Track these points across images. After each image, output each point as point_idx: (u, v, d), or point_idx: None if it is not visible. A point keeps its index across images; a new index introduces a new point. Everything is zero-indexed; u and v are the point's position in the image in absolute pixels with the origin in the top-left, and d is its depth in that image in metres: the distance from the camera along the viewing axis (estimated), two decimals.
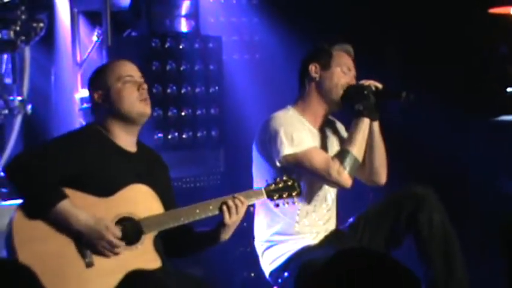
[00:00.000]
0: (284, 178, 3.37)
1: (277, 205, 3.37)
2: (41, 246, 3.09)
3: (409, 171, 4.73)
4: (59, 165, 3.14)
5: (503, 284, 3.62)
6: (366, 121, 3.68)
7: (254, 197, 3.33)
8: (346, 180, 3.60)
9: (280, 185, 3.36)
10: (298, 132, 3.64)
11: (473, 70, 5.71)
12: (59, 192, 3.10)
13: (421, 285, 2.90)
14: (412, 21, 5.69)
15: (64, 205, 3.08)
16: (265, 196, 3.34)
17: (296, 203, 3.41)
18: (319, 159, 3.61)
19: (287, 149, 3.59)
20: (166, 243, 3.29)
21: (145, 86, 3.31)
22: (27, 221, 3.10)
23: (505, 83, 5.91)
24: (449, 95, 5.52)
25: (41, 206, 3.10)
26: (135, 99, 3.27)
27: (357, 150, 3.64)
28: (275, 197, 3.35)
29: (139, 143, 3.37)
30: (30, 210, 3.11)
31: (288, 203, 3.37)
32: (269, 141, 3.64)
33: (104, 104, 3.28)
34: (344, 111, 3.82)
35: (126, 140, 3.30)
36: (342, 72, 3.75)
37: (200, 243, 3.38)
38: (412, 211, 3.69)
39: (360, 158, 3.66)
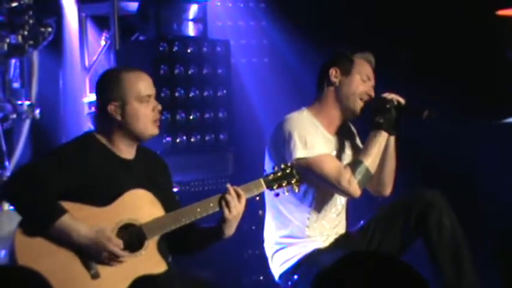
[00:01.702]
0: (282, 166, 3.34)
1: (277, 194, 3.34)
2: (45, 264, 3.07)
3: (416, 174, 4.73)
4: (57, 180, 3.12)
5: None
6: (384, 135, 3.67)
7: (254, 189, 3.29)
8: (356, 190, 3.60)
9: (279, 174, 3.32)
10: (311, 137, 3.63)
11: (480, 72, 5.70)
12: (58, 208, 3.08)
13: None
14: (419, 24, 5.68)
15: (64, 220, 3.07)
16: (264, 187, 3.30)
17: (297, 191, 3.37)
18: (331, 166, 3.60)
19: (300, 152, 3.59)
20: (171, 242, 3.27)
21: (159, 107, 3.29)
22: (28, 240, 3.09)
23: (511, 85, 5.90)
24: (456, 98, 5.50)
25: (40, 223, 3.08)
26: (150, 121, 3.25)
27: (371, 162, 3.63)
28: (275, 187, 3.31)
29: (137, 147, 3.33)
30: (31, 228, 3.09)
31: (288, 191, 3.34)
32: (283, 143, 3.64)
33: (116, 116, 3.23)
34: (361, 120, 3.80)
35: (125, 149, 3.28)
36: (361, 80, 3.75)
37: (205, 240, 3.34)
38: (422, 214, 3.68)
39: (373, 170, 3.65)
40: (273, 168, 3.34)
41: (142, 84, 3.26)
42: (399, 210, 3.74)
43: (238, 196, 3.22)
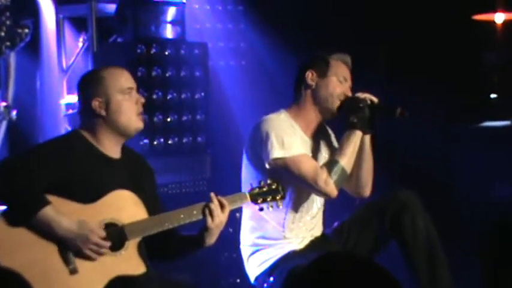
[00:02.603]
0: (268, 182, 3.37)
1: (262, 209, 3.37)
2: (24, 254, 3.07)
3: (394, 178, 4.75)
4: (42, 173, 3.12)
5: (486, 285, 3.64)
6: (358, 134, 3.69)
7: (238, 201, 3.33)
8: (332, 190, 3.61)
9: (265, 189, 3.36)
10: (289, 137, 3.64)
11: (458, 77, 5.74)
12: (42, 199, 3.09)
13: None
14: (397, 29, 5.72)
15: (47, 211, 3.07)
16: (249, 200, 3.33)
17: (280, 207, 3.41)
18: (308, 166, 3.61)
19: (277, 152, 3.60)
20: (150, 247, 3.27)
21: (142, 100, 3.31)
22: (9, 229, 3.08)
23: (489, 89, 5.95)
24: (434, 102, 5.54)
25: (23, 212, 3.08)
26: (133, 114, 3.27)
27: (346, 161, 3.65)
28: (259, 201, 3.35)
29: (123, 148, 3.36)
30: (13, 218, 3.09)
31: (272, 206, 3.37)
32: (260, 143, 3.65)
33: (101, 112, 3.25)
34: (337, 119, 3.82)
35: (111, 147, 3.29)
36: (338, 81, 3.76)
37: (185, 247, 3.36)
38: (396, 215, 3.70)
39: (349, 169, 3.66)
40: (259, 182, 3.37)
41: (123, 78, 3.30)
42: (374, 211, 3.76)
43: (222, 206, 3.24)
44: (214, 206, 3.22)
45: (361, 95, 3.73)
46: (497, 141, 5.47)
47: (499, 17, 5.76)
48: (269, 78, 5.76)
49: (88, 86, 3.31)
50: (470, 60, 5.82)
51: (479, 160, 5.34)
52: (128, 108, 3.26)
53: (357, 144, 3.69)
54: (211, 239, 3.26)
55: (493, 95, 5.99)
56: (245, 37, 5.86)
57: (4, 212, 3.12)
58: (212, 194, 3.25)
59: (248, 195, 3.34)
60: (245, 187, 3.68)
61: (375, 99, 3.72)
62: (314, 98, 3.77)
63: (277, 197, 3.37)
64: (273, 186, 3.37)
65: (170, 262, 3.39)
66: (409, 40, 5.70)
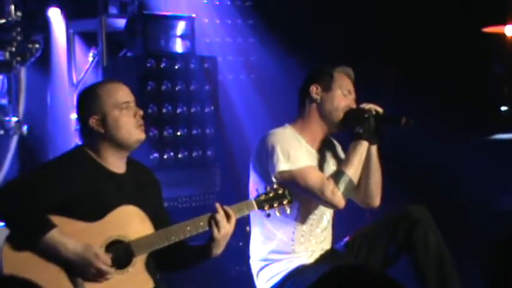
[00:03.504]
0: (274, 187, 3.35)
1: (269, 215, 3.34)
2: (33, 279, 3.05)
3: (404, 190, 4.74)
4: (46, 194, 3.10)
5: None
6: (364, 144, 3.68)
7: (245, 209, 3.30)
8: (340, 201, 3.60)
9: (271, 195, 3.33)
10: (294, 150, 3.64)
11: (468, 89, 5.73)
12: (47, 222, 3.07)
13: None
14: (407, 41, 5.72)
15: (53, 235, 3.05)
16: (256, 207, 3.31)
17: (288, 211, 3.38)
18: (314, 178, 3.61)
19: (283, 165, 3.60)
20: (158, 259, 3.25)
21: (141, 113, 3.28)
22: (16, 254, 3.07)
23: (499, 101, 5.94)
24: (444, 114, 5.53)
25: (29, 236, 3.06)
26: (132, 127, 3.24)
27: (353, 172, 3.64)
28: (266, 207, 3.32)
29: (129, 161, 3.33)
30: (19, 242, 3.08)
31: (279, 212, 3.35)
32: (266, 156, 3.64)
33: (99, 129, 3.22)
34: (343, 132, 3.82)
35: (115, 162, 3.26)
36: (343, 95, 3.76)
37: (193, 258, 3.33)
38: (407, 231, 3.68)
39: (356, 180, 3.65)
40: (265, 188, 3.35)
41: (118, 93, 3.26)
42: (385, 226, 3.74)
43: (228, 216, 3.21)
44: (220, 216, 3.20)
45: (365, 105, 3.73)
46: (508, 153, 5.45)
47: (509, 30, 5.76)
48: (279, 92, 5.76)
49: (84, 104, 3.29)
50: (480, 73, 5.81)
51: (490, 172, 5.31)
52: (126, 123, 3.23)
53: (363, 154, 3.68)
54: (218, 250, 3.24)
55: (503, 108, 5.97)
56: (255, 51, 5.88)
57: (9, 236, 3.10)
58: (217, 205, 3.23)
59: (254, 203, 3.31)
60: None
61: (380, 110, 3.72)
62: (319, 112, 3.76)
63: (284, 202, 3.34)
64: (279, 192, 3.34)
65: (178, 272, 3.37)
66: (419, 52, 5.70)
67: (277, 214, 3.36)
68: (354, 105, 3.77)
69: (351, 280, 2.73)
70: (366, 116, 3.68)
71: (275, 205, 3.33)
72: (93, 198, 3.16)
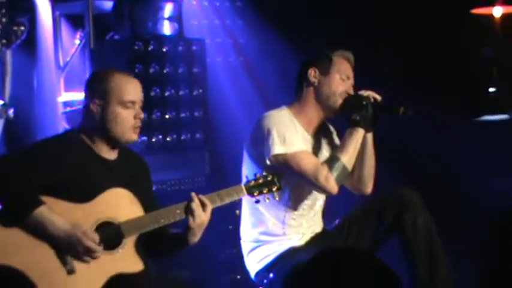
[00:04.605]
0: (264, 174, 3.35)
1: (258, 201, 3.35)
2: (21, 257, 3.06)
3: (394, 173, 4.74)
4: (36, 172, 3.10)
5: (488, 284, 3.63)
6: (360, 131, 3.67)
7: (235, 194, 3.30)
8: (333, 187, 3.60)
9: (260, 181, 3.34)
10: (290, 133, 3.63)
11: (456, 71, 5.73)
12: (36, 199, 3.07)
13: (402, 285, 2.92)
14: (395, 23, 5.70)
15: (42, 211, 3.06)
16: (245, 192, 3.31)
17: (277, 198, 3.39)
18: (308, 163, 3.59)
19: (278, 148, 3.59)
20: (142, 245, 3.25)
21: (141, 116, 3.28)
22: (5, 230, 3.07)
23: (488, 83, 5.94)
24: (433, 96, 5.53)
25: (18, 213, 3.07)
26: (129, 127, 3.24)
27: (348, 159, 3.63)
28: (255, 193, 3.33)
29: (120, 148, 3.32)
30: (7, 219, 3.07)
31: (268, 198, 3.35)
32: (261, 139, 3.63)
33: (96, 116, 3.23)
34: (340, 118, 3.80)
35: (106, 149, 3.27)
36: (341, 79, 3.74)
37: (171, 245, 3.34)
38: (397, 213, 3.70)
39: (350, 167, 3.65)
40: (255, 175, 3.35)
41: (127, 89, 3.25)
42: (375, 208, 3.76)
43: (203, 205, 3.21)
44: (196, 205, 3.20)
45: (364, 92, 3.71)
46: (497, 134, 5.47)
47: (497, 11, 5.75)
48: (267, 74, 5.74)
49: (93, 85, 3.29)
50: (468, 54, 5.81)
51: (479, 154, 5.33)
52: (124, 120, 3.23)
53: (358, 141, 3.67)
54: (195, 238, 3.24)
55: (491, 89, 5.98)
56: (243, 33, 5.85)
57: None
58: (193, 194, 3.22)
59: (244, 188, 3.32)
60: None
61: (378, 97, 3.70)
62: (316, 96, 3.74)
63: (274, 189, 3.35)
64: (269, 178, 3.35)
65: (160, 259, 3.38)
66: (408, 35, 5.68)
67: (266, 201, 3.36)
68: (351, 91, 3.75)
69: (341, 262, 2.74)
70: (364, 103, 3.66)
71: (264, 191, 3.34)
72: (83, 180, 3.16)
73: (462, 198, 5.23)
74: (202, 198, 3.22)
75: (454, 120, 5.58)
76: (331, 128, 3.90)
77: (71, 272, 3.09)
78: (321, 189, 3.63)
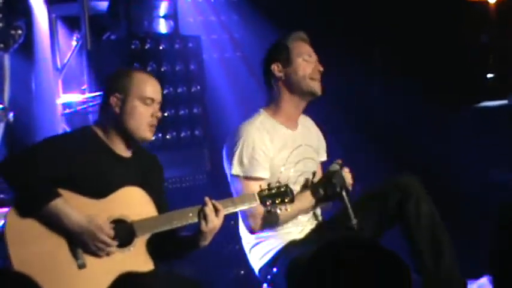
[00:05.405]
0: (277, 184, 3.36)
1: (269, 211, 3.36)
2: (34, 247, 3.08)
3: (393, 163, 4.75)
4: (52, 165, 3.13)
5: (491, 270, 3.65)
6: (312, 202, 3.62)
7: (247, 202, 3.32)
8: (252, 231, 3.62)
9: (274, 191, 3.35)
10: (253, 153, 3.58)
11: (454, 58, 5.73)
12: (53, 191, 3.10)
13: (410, 271, 2.92)
14: (392, 12, 5.71)
15: (57, 203, 3.08)
16: (258, 201, 3.32)
17: (289, 209, 3.38)
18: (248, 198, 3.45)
19: (235, 168, 3.59)
20: (151, 247, 3.25)
21: (159, 115, 3.31)
22: (21, 220, 3.09)
23: (485, 70, 5.95)
24: (431, 84, 5.54)
25: (34, 203, 3.09)
26: (145, 123, 3.26)
27: (284, 219, 3.59)
28: (268, 203, 3.34)
29: (135, 147, 3.35)
30: (23, 209, 3.10)
31: (280, 209, 3.36)
32: (227, 154, 3.64)
33: (115, 110, 3.25)
34: (327, 116, 3.79)
35: (121, 147, 3.29)
36: (304, 61, 3.72)
37: (181, 248, 3.36)
38: (399, 201, 3.68)
39: (282, 222, 3.62)
40: (268, 184, 3.35)
41: (149, 87, 3.29)
42: (376, 197, 3.74)
43: (216, 210, 3.23)
44: (209, 210, 3.21)
45: (345, 175, 3.59)
46: (496, 120, 5.47)
47: None
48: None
49: (114, 80, 3.32)
50: (465, 42, 5.81)
51: (478, 140, 5.33)
52: (141, 115, 3.25)
53: (304, 207, 3.63)
54: (205, 242, 3.27)
55: (489, 75, 5.98)
56: (239, 28, 5.85)
57: (15, 203, 3.12)
58: (206, 198, 3.23)
59: (257, 197, 3.33)
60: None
61: (349, 188, 3.61)
62: (288, 89, 3.72)
63: (286, 200, 3.35)
64: (282, 189, 3.36)
65: (166, 261, 3.38)
66: (403, 23, 5.69)
67: (278, 211, 3.36)
68: (319, 67, 3.71)
69: (342, 253, 2.74)
70: (337, 190, 3.54)
71: (277, 201, 3.35)
72: (98, 176, 3.18)
73: (461, 187, 5.24)
74: (215, 204, 3.23)
75: (452, 106, 5.58)
76: (311, 121, 3.89)
77: (81, 266, 3.10)
78: (244, 224, 3.62)
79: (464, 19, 5.73)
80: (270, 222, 3.59)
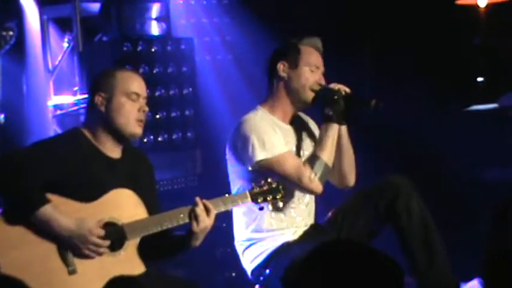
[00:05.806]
0: (269, 181, 3.37)
1: (262, 208, 3.37)
2: (24, 253, 3.07)
3: (385, 164, 4.76)
4: (41, 170, 3.11)
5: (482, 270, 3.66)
6: (335, 127, 3.67)
7: (239, 200, 3.32)
8: (317, 186, 3.61)
9: (265, 188, 3.35)
10: (269, 136, 3.63)
11: (444, 61, 5.75)
12: (42, 197, 3.08)
13: (403, 273, 2.92)
14: (383, 15, 5.72)
15: (46, 209, 3.06)
16: (249, 199, 3.33)
17: (281, 206, 3.40)
18: (291, 165, 3.60)
19: (260, 154, 3.59)
20: (142, 247, 3.25)
21: (146, 109, 3.31)
22: (9, 227, 3.08)
23: (475, 73, 5.97)
24: (422, 86, 5.55)
25: (23, 210, 3.07)
26: (132, 119, 3.26)
27: (327, 156, 3.64)
28: (259, 200, 3.34)
29: (125, 147, 3.34)
30: (12, 216, 3.08)
31: (273, 205, 3.37)
32: (241, 147, 3.63)
33: (101, 109, 3.25)
34: (314, 108, 3.82)
35: (110, 147, 3.28)
36: (310, 71, 3.74)
37: (173, 248, 3.35)
38: (390, 201, 3.70)
39: (330, 163, 3.66)
40: (260, 181, 3.36)
41: (133, 82, 3.30)
42: (367, 198, 3.76)
43: (207, 210, 3.22)
44: (200, 210, 3.20)
45: (334, 86, 3.71)
46: (486, 124, 5.49)
47: (482, 1, 5.78)
48: (256, 71, 5.74)
49: (98, 81, 3.33)
50: (455, 45, 5.83)
51: (469, 143, 5.35)
52: (128, 111, 3.25)
53: (335, 137, 3.68)
54: (197, 242, 3.26)
55: (479, 79, 6.01)
56: (231, 31, 5.86)
57: (3, 210, 3.11)
58: (197, 199, 3.23)
59: (249, 195, 3.33)
60: (233, 185, 3.71)
61: (348, 90, 3.69)
62: (287, 90, 3.74)
63: (278, 196, 3.36)
64: (273, 186, 3.36)
65: (158, 262, 3.37)
66: (394, 26, 5.71)
67: (270, 208, 3.37)
68: (322, 80, 3.75)
69: (336, 255, 2.74)
70: (335, 97, 3.66)
71: (268, 198, 3.35)
72: (87, 179, 3.17)
73: (453, 188, 5.26)
74: (206, 203, 3.22)
75: (442, 109, 5.60)
76: (307, 117, 3.91)
77: (72, 272, 3.09)
78: (306, 190, 3.64)
79: (454, 23, 5.75)
80: (322, 170, 3.59)
